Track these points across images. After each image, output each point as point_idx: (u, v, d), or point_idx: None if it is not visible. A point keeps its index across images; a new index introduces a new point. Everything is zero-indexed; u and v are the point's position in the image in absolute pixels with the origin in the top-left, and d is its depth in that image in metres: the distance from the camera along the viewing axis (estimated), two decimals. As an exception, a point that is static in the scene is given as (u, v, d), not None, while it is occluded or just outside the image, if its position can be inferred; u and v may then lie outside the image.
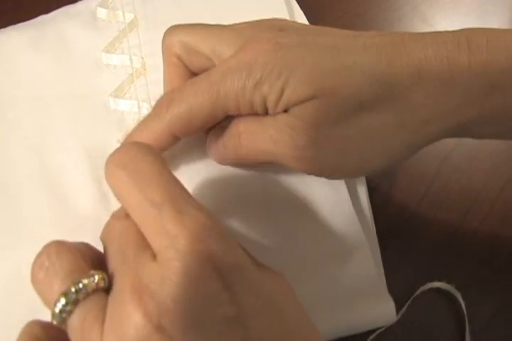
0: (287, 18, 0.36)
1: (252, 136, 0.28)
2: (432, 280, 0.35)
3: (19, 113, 0.34)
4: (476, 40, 0.25)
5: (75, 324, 0.21)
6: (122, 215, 0.24)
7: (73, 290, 0.21)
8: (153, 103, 0.34)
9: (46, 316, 0.29)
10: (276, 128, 0.27)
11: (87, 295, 0.21)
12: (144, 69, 0.35)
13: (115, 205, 0.32)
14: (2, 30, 0.36)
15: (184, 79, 0.31)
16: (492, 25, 0.44)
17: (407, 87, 0.25)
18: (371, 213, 0.35)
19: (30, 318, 0.29)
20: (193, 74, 0.31)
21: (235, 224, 0.31)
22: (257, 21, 0.29)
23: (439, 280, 0.35)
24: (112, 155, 0.24)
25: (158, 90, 0.34)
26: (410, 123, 0.26)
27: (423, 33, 0.26)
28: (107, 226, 0.24)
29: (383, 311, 0.32)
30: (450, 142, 0.39)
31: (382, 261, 0.34)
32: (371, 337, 0.33)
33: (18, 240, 0.31)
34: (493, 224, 0.37)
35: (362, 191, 0.35)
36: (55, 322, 0.21)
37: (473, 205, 0.38)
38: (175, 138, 0.28)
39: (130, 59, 0.35)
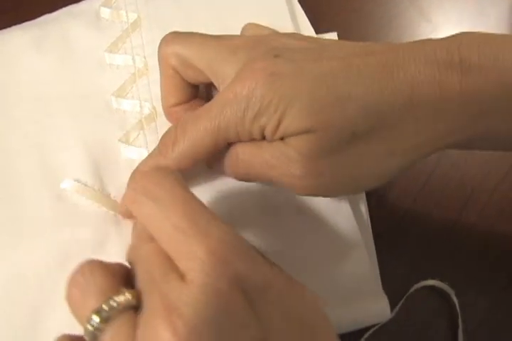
0: (287, 17, 0.36)
1: (249, 159, 0.29)
2: (425, 279, 0.36)
3: (21, 112, 0.34)
4: (469, 57, 0.25)
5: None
6: (147, 237, 0.24)
7: (106, 308, 0.22)
8: (155, 103, 0.35)
9: (47, 315, 0.30)
10: (272, 154, 0.28)
11: (119, 312, 0.22)
12: (147, 69, 0.35)
13: (116, 204, 0.32)
14: (5, 30, 0.37)
15: (181, 87, 0.32)
16: (490, 18, 0.44)
17: (398, 115, 0.26)
18: (367, 212, 0.35)
19: (31, 318, 0.30)
20: (189, 85, 0.32)
21: (236, 227, 0.31)
22: (253, 41, 0.29)
23: (433, 278, 0.36)
24: (133, 181, 0.26)
25: (159, 90, 0.35)
26: (401, 149, 0.27)
27: (418, 46, 0.27)
28: (133, 248, 0.25)
29: (378, 309, 0.32)
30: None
31: (377, 259, 0.34)
32: (365, 335, 0.34)
33: (19, 240, 0.31)
34: (488, 222, 0.38)
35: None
36: (87, 339, 0.22)
37: (468, 202, 0.38)
38: (182, 169, 0.29)
39: (133, 59, 0.36)
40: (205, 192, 0.32)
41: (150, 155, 0.30)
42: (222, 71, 0.28)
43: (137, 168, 0.31)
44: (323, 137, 0.26)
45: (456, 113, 0.26)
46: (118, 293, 0.22)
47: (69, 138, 0.34)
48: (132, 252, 0.25)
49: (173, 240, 0.22)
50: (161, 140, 0.30)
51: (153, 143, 0.34)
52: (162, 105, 0.33)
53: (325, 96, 0.26)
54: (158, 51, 0.31)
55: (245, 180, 0.31)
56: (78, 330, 0.28)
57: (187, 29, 0.31)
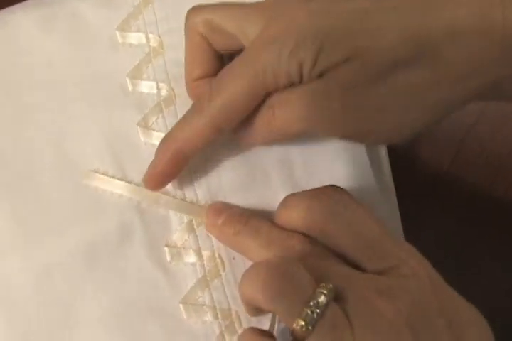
0: None
1: (286, 106, 0.27)
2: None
3: (34, 97, 0.33)
4: None
5: (326, 324, 0.23)
6: None
7: (322, 295, 0.23)
8: (172, 83, 0.33)
9: (78, 311, 0.29)
10: (311, 94, 0.26)
11: (330, 298, 0.23)
12: (162, 49, 0.34)
13: (137, 189, 0.31)
14: (9, 9, 0.35)
15: (208, 57, 0.30)
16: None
17: (441, 43, 0.25)
18: (392, 185, 0.35)
19: (63, 315, 0.29)
20: (215, 55, 0.30)
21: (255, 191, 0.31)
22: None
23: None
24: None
25: (177, 70, 0.33)
26: (446, 79, 0.26)
27: None
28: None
29: None
30: (474, 113, 0.38)
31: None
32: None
33: (43, 237, 0.31)
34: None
35: (384, 163, 0.34)
36: (303, 323, 0.23)
37: (497, 176, 0.38)
38: (219, 131, 0.28)
39: (146, 37, 0.34)
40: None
41: (184, 117, 0.29)
42: (253, 29, 0.27)
43: (171, 132, 0.29)
44: (363, 65, 0.25)
45: (500, 44, 0.25)
46: (323, 282, 0.24)
47: (85, 124, 0.32)
48: None
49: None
50: (196, 98, 0.28)
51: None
52: (185, 79, 0.31)
53: (363, 25, 0.25)
54: (186, 21, 0.30)
55: (277, 139, 0.30)
56: (113, 323, 0.29)
57: (203, 2, 0.30)
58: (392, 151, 0.34)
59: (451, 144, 0.38)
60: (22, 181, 0.31)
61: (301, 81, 0.27)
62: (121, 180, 0.32)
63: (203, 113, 0.27)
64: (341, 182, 0.30)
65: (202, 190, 0.31)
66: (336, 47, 0.25)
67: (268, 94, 0.27)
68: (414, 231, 0.33)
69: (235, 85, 0.27)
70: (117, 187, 0.31)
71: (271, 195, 0.31)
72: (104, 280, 0.30)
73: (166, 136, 0.30)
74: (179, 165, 0.29)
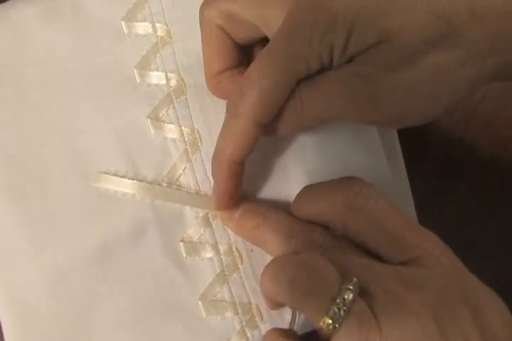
0: None
1: (315, 95, 0.26)
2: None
3: (40, 94, 0.32)
4: None
5: (352, 321, 0.22)
6: None
7: (348, 291, 0.23)
8: (182, 73, 0.32)
9: (94, 311, 0.29)
10: (342, 79, 0.26)
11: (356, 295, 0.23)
12: (170, 38, 0.33)
13: (149, 187, 0.31)
14: (12, 2, 0.34)
15: (227, 49, 0.29)
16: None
17: (464, 22, 0.25)
18: (405, 171, 0.34)
19: (80, 317, 0.29)
20: (236, 46, 0.29)
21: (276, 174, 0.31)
22: None
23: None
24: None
25: (186, 59, 0.32)
26: (472, 58, 0.26)
27: None
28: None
29: None
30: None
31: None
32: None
33: (56, 238, 0.30)
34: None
35: (397, 148, 0.34)
36: (330, 322, 0.22)
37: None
38: (261, 127, 0.26)
39: (153, 27, 0.33)
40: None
41: (223, 126, 0.27)
42: (276, 17, 0.26)
43: (217, 146, 0.28)
44: (395, 45, 0.25)
45: None
46: (347, 279, 0.23)
47: (94, 119, 0.31)
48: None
49: None
50: (228, 101, 0.27)
51: (185, 119, 0.32)
52: (205, 74, 0.30)
53: (392, 4, 0.25)
54: (201, 13, 0.29)
55: (305, 128, 0.29)
56: (131, 324, 0.28)
57: None
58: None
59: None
60: (31, 182, 0.31)
61: (331, 65, 0.26)
62: (133, 178, 0.31)
63: (239, 114, 0.26)
64: (356, 169, 0.30)
65: None
66: (367, 29, 0.25)
67: (299, 81, 0.26)
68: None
69: (267, 78, 0.25)
70: (129, 188, 0.31)
71: (287, 187, 0.30)
72: (120, 281, 0.29)
73: (214, 152, 0.28)
74: (239, 175, 0.28)
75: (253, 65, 0.26)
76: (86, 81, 0.32)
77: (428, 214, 0.32)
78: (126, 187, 0.31)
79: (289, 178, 0.30)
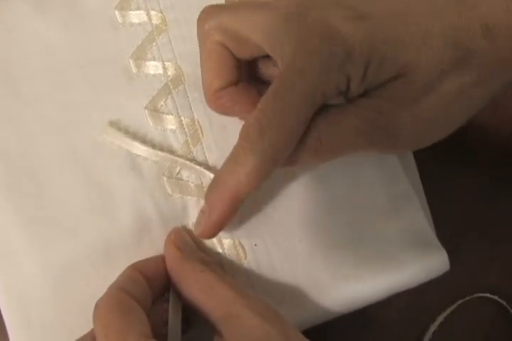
0: None
1: (333, 132, 0.25)
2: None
3: (33, 89, 0.31)
4: None
5: None
6: None
7: None
8: (179, 62, 0.31)
9: None
10: (361, 115, 0.25)
11: None
12: (165, 25, 0.31)
13: (149, 179, 0.30)
14: None
15: (228, 66, 0.27)
16: None
17: (479, 44, 0.25)
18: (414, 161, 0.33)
19: (84, 316, 0.28)
20: (236, 63, 0.28)
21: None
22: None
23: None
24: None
25: (183, 47, 0.31)
26: (484, 79, 0.26)
27: None
28: None
29: (437, 260, 0.30)
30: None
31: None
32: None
33: (59, 237, 0.29)
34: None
35: None
36: None
37: None
38: (277, 164, 0.25)
39: (148, 14, 0.31)
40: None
41: (234, 159, 0.25)
42: (284, 43, 0.25)
43: (222, 177, 0.26)
44: (414, 79, 0.25)
45: None
46: None
47: (90, 113, 0.30)
48: None
49: None
50: (243, 132, 0.25)
51: (184, 108, 0.30)
52: (204, 91, 0.28)
53: (408, 34, 0.24)
54: (199, 26, 0.27)
55: (322, 161, 0.27)
56: None
57: None
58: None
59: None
60: (29, 180, 0.30)
61: (348, 94, 0.25)
62: (136, 172, 0.30)
63: (257, 151, 0.24)
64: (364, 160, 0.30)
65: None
66: (384, 63, 0.24)
67: (315, 113, 0.25)
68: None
69: (286, 115, 0.24)
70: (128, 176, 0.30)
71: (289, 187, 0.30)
72: None
73: (215, 181, 0.26)
74: (235, 210, 0.27)
75: (270, 97, 0.24)
76: (81, 73, 0.31)
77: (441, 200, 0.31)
78: (125, 181, 0.30)
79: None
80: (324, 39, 0.24)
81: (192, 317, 0.27)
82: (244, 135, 0.25)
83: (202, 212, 0.28)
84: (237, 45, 0.27)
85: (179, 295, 0.27)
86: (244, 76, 0.28)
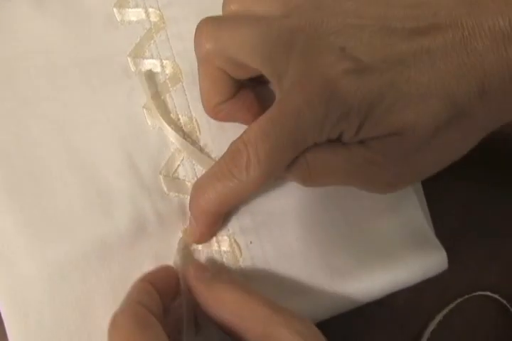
0: None
1: (322, 167, 0.26)
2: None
3: (32, 88, 0.31)
4: None
5: None
6: None
7: None
8: (177, 60, 0.31)
9: (91, 314, 0.28)
10: (351, 161, 0.25)
11: None
12: (163, 23, 0.31)
13: (146, 178, 0.30)
14: None
15: (226, 85, 0.28)
16: None
17: (473, 106, 0.24)
18: None
19: (80, 316, 0.28)
20: (235, 81, 0.28)
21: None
22: (308, 22, 0.25)
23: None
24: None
25: (181, 45, 0.31)
26: (473, 135, 0.26)
27: (477, 12, 0.23)
28: None
29: (435, 259, 0.30)
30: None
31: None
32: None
33: (56, 237, 0.29)
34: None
35: None
36: None
37: None
38: (257, 190, 0.26)
39: (146, 12, 0.31)
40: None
41: (214, 176, 0.26)
42: (280, 68, 0.25)
43: (204, 190, 0.27)
44: (409, 138, 0.24)
45: None
46: None
47: (89, 112, 0.30)
48: None
49: None
50: (228, 159, 0.26)
51: (182, 107, 0.30)
52: (204, 105, 0.29)
53: (407, 93, 0.24)
54: (197, 46, 0.27)
55: (312, 187, 0.28)
56: None
57: None
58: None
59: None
60: (28, 180, 0.29)
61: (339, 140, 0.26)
62: (133, 170, 0.30)
63: (242, 180, 0.25)
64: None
65: None
66: (380, 121, 0.24)
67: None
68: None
69: (274, 155, 0.25)
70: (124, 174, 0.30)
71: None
72: (119, 278, 0.29)
73: (197, 192, 0.27)
74: (219, 222, 0.29)
75: (258, 133, 0.25)
76: (79, 72, 0.31)
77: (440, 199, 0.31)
78: (122, 179, 0.30)
79: None
80: (324, 93, 0.24)
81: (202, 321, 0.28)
82: (230, 158, 0.25)
83: (190, 221, 0.29)
84: (236, 69, 0.27)
85: (204, 313, 0.26)
86: (242, 91, 0.29)
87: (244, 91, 0.29)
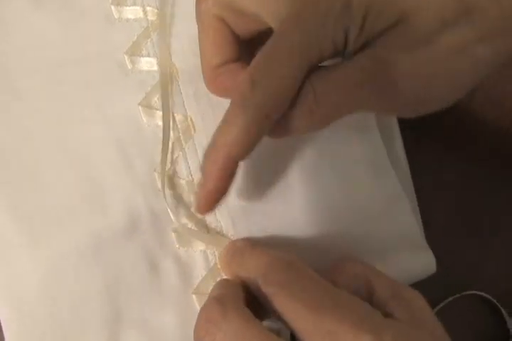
0: None
1: (330, 89, 0.24)
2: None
3: (28, 84, 0.31)
4: None
5: None
6: None
7: None
8: (174, 58, 0.31)
9: (86, 308, 0.28)
10: (358, 66, 0.24)
11: None
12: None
13: (141, 175, 0.30)
14: None
15: (227, 41, 0.27)
16: None
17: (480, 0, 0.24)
18: (406, 161, 0.33)
19: (73, 313, 0.28)
20: (236, 38, 0.27)
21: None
22: None
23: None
24: (267, 275, 0.24)
25: (178, 44, 0.31)
26: (487, 36, 0.25)
27: None
28: None
29: (423, 262, 0.30)
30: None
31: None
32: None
33: (50, 233, 0.29)
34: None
35: (398, 142, 0.33)
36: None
37: None
38: (271, 122, 0.24)
39: (144, 10, 0.32)
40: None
41: (225, 118, 0.24)
42: (281, 6, 0.24)
43: (214, 139, 0.25)
44: (412, 27, 0.24)
45: None
46: None
47: (85, 108, 0.31)
48: None
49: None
50: (233, 92, 0.24)
51: (177, 105, 0.31)
52: (203, 69, 0.28)
53: None
54: (197, 4, 0.27)
55: (317, 126, 0.25)
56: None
57: None
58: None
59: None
60: (22, 176, 0.30)
61: (344, 52, 0.24)
62: (128, 167, 0.30)
63: (248, 105, 0.23)
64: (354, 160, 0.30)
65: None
66: (383, 10, 0.24)
67: (310, 71, 0.24)
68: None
69: (280, 65, 0.23)
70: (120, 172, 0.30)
71: (284, 183, 0.30)
72: (114, 274, 0.29)
73: (209, 145, 0.25)
74: (232, 175, 0.25)
75: (263, 51, 0.24)
76: (76, 68, 0.31)
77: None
78: (118, 176, 0.30)
79: (285, 172, 0.30)
80: None
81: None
82: (235, 91, 0.24)
83: (199, 184, 0.26)
84: (234, 18, 0.26)
85: None
86: (245, 56, 0.28)
87: (246, 63, 0.27)
